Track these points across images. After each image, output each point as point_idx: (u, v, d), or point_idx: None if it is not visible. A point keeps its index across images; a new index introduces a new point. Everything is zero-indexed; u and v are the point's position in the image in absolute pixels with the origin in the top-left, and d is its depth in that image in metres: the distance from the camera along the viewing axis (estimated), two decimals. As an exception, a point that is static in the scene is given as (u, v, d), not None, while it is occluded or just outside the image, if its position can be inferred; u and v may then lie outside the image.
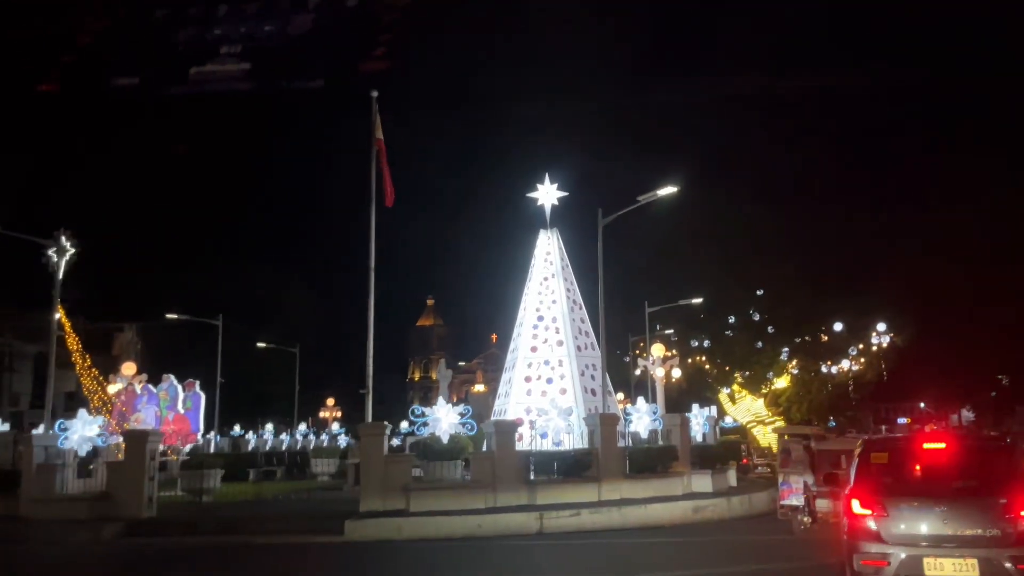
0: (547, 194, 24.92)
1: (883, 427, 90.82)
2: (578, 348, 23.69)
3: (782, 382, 57.12)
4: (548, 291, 24.51)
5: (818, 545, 13.20)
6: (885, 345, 49.92)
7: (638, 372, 48.53)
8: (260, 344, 48.59)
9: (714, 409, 26.54)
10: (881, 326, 48.67)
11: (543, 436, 20.84)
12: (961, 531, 7.92)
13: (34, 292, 22.10)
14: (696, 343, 53.80)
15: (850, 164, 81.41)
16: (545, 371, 23.47)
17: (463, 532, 15.75)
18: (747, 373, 55.61)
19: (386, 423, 17.03)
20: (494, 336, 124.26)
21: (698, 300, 39.01)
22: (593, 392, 23.14)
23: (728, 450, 23.50)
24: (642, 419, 20.29)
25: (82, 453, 17.41)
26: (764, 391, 58.21)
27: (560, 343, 23.74)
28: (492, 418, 24.21)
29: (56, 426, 17.62)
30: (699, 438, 22.46)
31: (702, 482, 20.35)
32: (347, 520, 15.37)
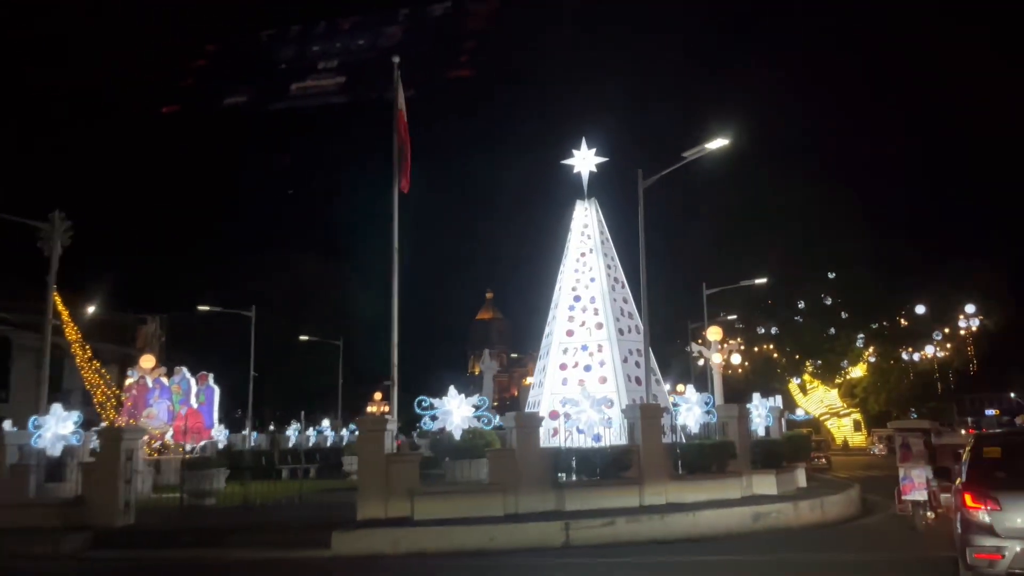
0: (584, 160, 22.21)
1: (969, 419, 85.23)
2: (620, 331, 20.91)
3: (858, 371, 53.02)
4: (586, 268, 21.79)
5: (940, 538, 11.99)
6: (975, 329, 45.32)
7: (701, 362, 45.40)
8: (303, 337, 47.07)
9: (779, 399, 23.32)
10: (970, 307, 44.08)
11: (580, 431, 18.28)
12: None
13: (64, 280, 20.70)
14: (763, 330, 50.15)
15: (932, 129, 75.68)
16: (583, 357, 20.79)
17: (474, 545, 13.29)
18: (818, 362, 51.70)
19: (387, 416, 14.70)
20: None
21: (761, 281, 35.52)
22: (638, 381, 20.38)
23: (796, 446, 20.43)
24: (692, 410, 17.46)
25: (55, 452, 15.59)
26: (838, 381, 54.18)
27: (599, 326, 21.01)
28: (526, 410, 21.74)
29: (30, 423, 15.85)
30: (761, 432, 19.47)
31: (764, 483, 17.45)
32: (335, 531, 13.07)
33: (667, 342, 52.98)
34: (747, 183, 48.98)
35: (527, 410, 21.40)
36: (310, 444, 38.74)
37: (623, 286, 22.01)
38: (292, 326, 48.42)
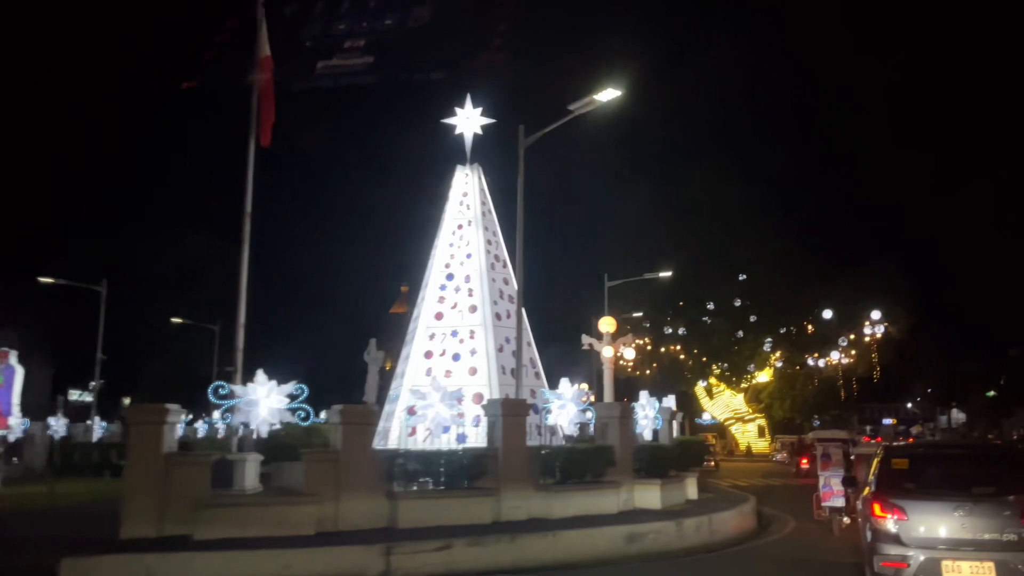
0: (468, 121, 19.36)
1: (868, 427, 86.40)
2: (497, 316, 18.14)
3: (764, 376, 51.92)
4: (462, 243, 18.93)
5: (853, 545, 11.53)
6: (879, 336, 44.57)
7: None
8: (176, 320, 42.70)
9: (672, 399, 20.97)
10: (876, 314, 43.24)
11: (445, 430, 15.40)
12: (979, 535, 8.07)
13: None
14: (670, 330, 48.41)
15: (844, 136, 76.11)
16: (452, 344, 17.92)
17: (264, 576, 10.20)
18: (725, 365, 50.33)
19: (167, 406, 11.43)
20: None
21: (666, 274, 33.33)
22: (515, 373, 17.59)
23: (688, 452, 18.05)
24: (565, 408, 14.75)
25: None
26: (744, 385, 53.02)
27: (474, 309, 18.19)
28: (387, 405, 18.73)
29: None
30: (648, 436, 17.00)
31: (647, 496, 14.98)
32: (67, 557, 9.74)
33: (574, 340, 50.90)
34: (661, 180, 47.28)
35: (388, 404, 18.46)
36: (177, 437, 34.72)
37: (505, 265, 19.24)
38: (174, 308, 43.95)
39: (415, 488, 12.75)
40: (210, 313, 43.05)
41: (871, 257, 48.39)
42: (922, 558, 8.11)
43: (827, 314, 44.23)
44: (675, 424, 20.77)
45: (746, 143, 77.58)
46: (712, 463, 33.21)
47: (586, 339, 21.47)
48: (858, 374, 47.65)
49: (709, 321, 48.34)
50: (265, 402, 11.99)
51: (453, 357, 17.71)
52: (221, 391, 11.90)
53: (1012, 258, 58.36)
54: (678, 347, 49.53)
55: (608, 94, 14.67)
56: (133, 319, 37.04)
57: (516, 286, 17.92)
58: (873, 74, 77.92)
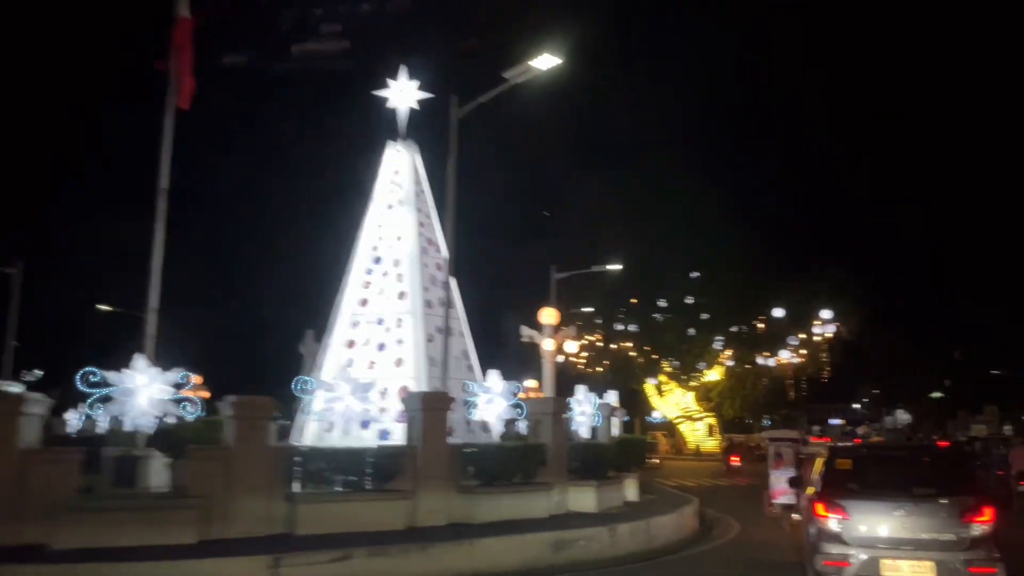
0: (401, 94, 17.99)
1: (816, 428, 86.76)
2: (428, 304, 16.81)
3: (714, 374, 51.42)
4: (392, 224, 17.57)
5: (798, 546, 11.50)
6: (830, 335, 44.29)
7: (560, 358, 42.38)
8: (101, 307, 40.43)
9: (614, 396, 19.91)
10: (827, 313, 42.90)
11: (365, 425, 14.12)
12: (918, 535, 8.26)
13: None
14: (622, 327, 47.59)
15: (799, 134, 76.24)
16: (377, 333, 16.57)
17: (128, 592, 8.78)
18: (676, 363, 49.70)
19: (25, 394, 9.90)
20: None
21: (616, 267, 32.31)
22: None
23: (628, 451, 16.98)
24: (493, 403, 13.52)
25: None
26: (693, 384, 52.47)
27: (402, 295, 16.85)
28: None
29: None
30: (585, 433, 15.87)
31: (582, 498, 13.90)
32: None
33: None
34: (614, 174, 46.42)
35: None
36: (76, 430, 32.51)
37: (439, 250, 17.92)
38: (100, 295, 41.60)
39: (320, 491, 11.41)
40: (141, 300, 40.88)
41: (824, 257, 48.25)
42: (863, 557, 8.26)
43: (778, 313, 43.74)
44: (615, 421, 19.71)
45: (702, 140, 77.25)
46: (657, 461, 33.13)
47: (526, 331, 20.26)
48: (808, 374, 47.39)
49: (660, 319, 47.61)
50: (145, 391, 10.51)
51: (378, 347, 16.37)
52: (92, 378, 10.38)
53: (958, 262, 59.01)
54: (629, 344, 48.73)
55: (546, 61, 13.44)
56: (54, 305, 34.72)
57: (448, 255, 16.48)
58: (829, 74, 78.30)
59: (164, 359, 11.63)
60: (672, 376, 51.63)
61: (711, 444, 53.03)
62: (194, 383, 10.82)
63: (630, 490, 16.43)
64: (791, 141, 75.08)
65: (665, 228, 46.47)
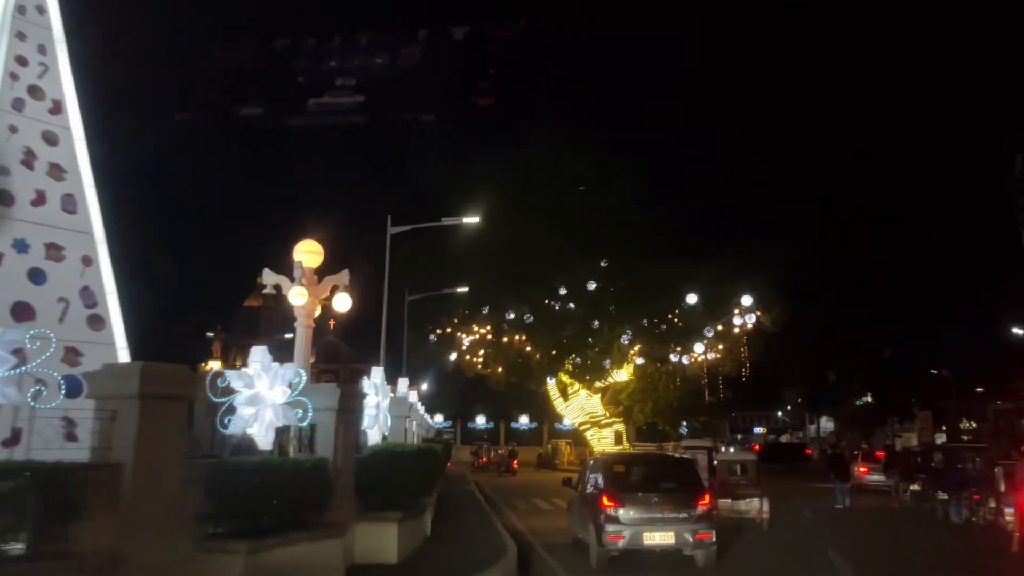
0: None
1: (739, 436, 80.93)
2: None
3: (623, 374, 45.08)
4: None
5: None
6: (751, 326, 38.30)
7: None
8: None
9: (404, 383, 12.85)
10: (747, 300, 36.87)
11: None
12: (665, 515, 12.59)
13: None
14: (513, 315, 40.74)
15: (720, 106, 71.36)
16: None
17: None
18: (578, 360, 43.13)
19: None
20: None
21: (472, 220, 25.32)
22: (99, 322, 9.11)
23: (427, 465, 10.10)
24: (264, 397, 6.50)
25: None
26: (601, 385, 46.04)
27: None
28: None
29: None
30: (376, 438, 9.38)
31: (380, 541, 8.41)
32: None
33: (419, 334, 42.66)
34: (512, 139, 39.65)
35: None
36: None
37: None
38: None
39: None
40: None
41: (743, 238, 42.64)
42: (630, 532, 12.35)
43: (692, 299, 37.51)
44: (409, 423, 12.76)
45: (612, 108, 71.57)
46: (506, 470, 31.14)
47: (269, 276, 12.39)
48: (726, 372, 41.32)
49: (558, 307, 41.03)
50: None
51: None
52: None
53: (887, 257, 54.41)
54: (523, 337, 41.99)
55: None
56: None
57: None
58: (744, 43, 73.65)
59: None
60: (575, 376, 45.04)
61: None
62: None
63: (428, 523, 9.93)
64: (710, 111, 70.16)
65: (565, 203, 40.15)
